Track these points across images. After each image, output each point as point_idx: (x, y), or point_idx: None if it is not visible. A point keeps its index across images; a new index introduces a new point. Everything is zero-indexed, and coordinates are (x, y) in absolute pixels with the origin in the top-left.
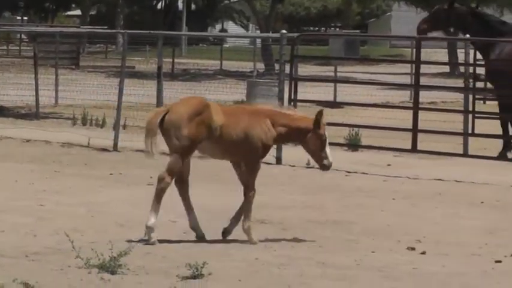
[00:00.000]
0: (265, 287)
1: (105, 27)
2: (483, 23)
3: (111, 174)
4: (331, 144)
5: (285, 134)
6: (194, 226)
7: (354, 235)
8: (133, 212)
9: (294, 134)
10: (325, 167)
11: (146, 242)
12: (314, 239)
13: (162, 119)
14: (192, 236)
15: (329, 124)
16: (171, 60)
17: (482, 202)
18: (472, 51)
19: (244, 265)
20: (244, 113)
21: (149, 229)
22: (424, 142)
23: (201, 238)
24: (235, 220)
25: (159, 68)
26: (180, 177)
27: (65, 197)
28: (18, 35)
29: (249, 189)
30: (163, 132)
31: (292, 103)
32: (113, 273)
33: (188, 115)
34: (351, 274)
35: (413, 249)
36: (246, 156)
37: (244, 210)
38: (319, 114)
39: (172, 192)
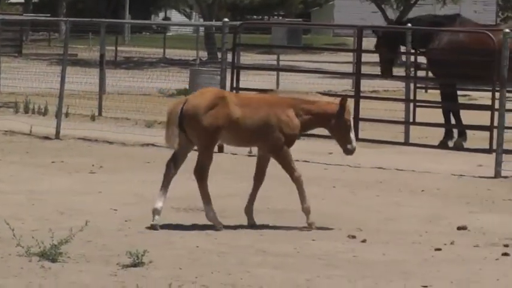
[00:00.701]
0: (206, 275)
1: (48, 15)
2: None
3: (53, 162)
4: None
5: (311, 120)
6: (158, 209)
7: (294, 223)
8: (74, 200)
9: (320, 120)
10: (348, 151)
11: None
12: (255, 227)
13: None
14: (133, 224)
15: None
16: (114, 48)
17: (422, 190)
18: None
19: (185, 253)
20: (264, 104)
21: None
22: (366, 131)
23: (154, 228)
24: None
25: (102, 56)
26: (172, 162)
27: (6, 184)
28: None
29: (292, 174)
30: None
31: (234, 91)
32: (53, 261)
33: (204, 107)
34: (291, 262)
35: (353, 237)
36: (270, 147)
37: (300, 194)
38: (344, 100)
39: (112, 180)
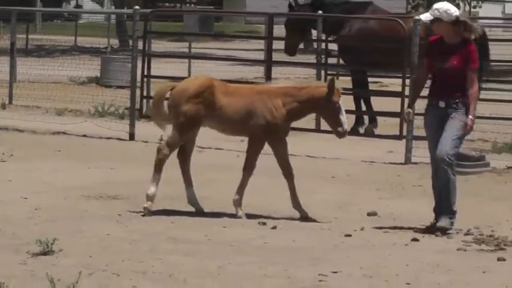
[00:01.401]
0: (117, 263)
1: None
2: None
3: None
4: None
5: (301, 107)
6: (192, 201)
7: (206, 210)
8: None
9: (309, 106)
10: (340, 134)
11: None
12: (166, 215)
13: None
14: (43, 213)
15: None
16: (25, 36)
17: (333, 177)
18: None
19: (96, 241)
20: (251, 93)
21: (148, 197)
22: None
23: (200, 212)
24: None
25: (12, 44)
26: (182, 151)
27: None
28: None
29: (247, 165)
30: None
31: (145, 79)
32: None
33: (189, 94)
34: (203, 249)
35: (264, 224)
36: (250, 134)
37: (240, 185)
38: (332, 82)
39: (22, 168)
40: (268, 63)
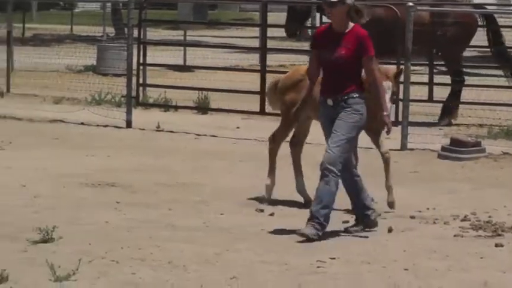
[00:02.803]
0: (115, 250)
1: None
2: None
3: None
4: (180, 107)
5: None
6: (300, 190)
7: (203, 197)
8: None
9: None
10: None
11: (260, 200)
12: (164, 202)
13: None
14: (42, 200)
15: (179, 88)
16: (21, 25)
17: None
18: (318, 15)
19: (95, 228)
20: None
21: (267, 187)
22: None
23: (307, 202)
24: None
25: (9, 33)
26: (294, 139)
27: None
28: None
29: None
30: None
31: (141, 67)
32: None
33: (290, 83)
34: (201, 236)
35: (262, 211)
36: None
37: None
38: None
39: (21, 156)
40: (263, 50)
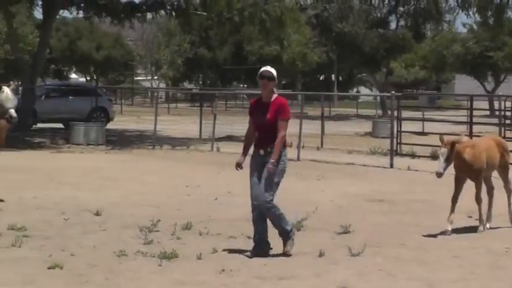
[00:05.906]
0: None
1: None
2: None
3: None
4: (423, 157)
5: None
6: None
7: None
8: None
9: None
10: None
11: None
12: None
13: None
14: (344, 208)
15: (419, 145)
16: (327, 108)
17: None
18: None
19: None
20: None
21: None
22: None
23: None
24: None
25: (322, 114)
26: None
27: None
28: None
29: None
30: None
31: (398, 133)
32: None
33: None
34: None
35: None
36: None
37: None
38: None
39: (332, 184)
40: (470, 124)
